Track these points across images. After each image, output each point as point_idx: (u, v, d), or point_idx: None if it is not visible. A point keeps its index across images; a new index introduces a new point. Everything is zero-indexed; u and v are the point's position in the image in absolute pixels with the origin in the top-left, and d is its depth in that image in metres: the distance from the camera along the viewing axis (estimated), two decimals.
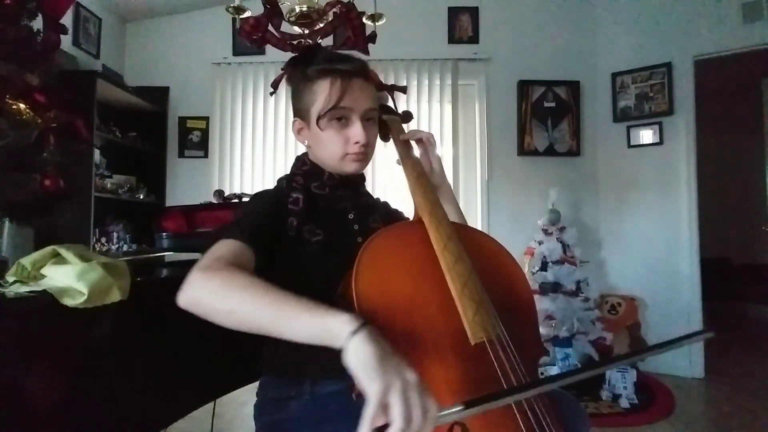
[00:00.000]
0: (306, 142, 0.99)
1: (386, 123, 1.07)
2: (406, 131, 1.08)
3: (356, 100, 0.91)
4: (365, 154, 0.95)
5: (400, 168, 1.03)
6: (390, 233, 0.84)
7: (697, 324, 3.15)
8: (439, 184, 1.06)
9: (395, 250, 0.82)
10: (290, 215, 0.90)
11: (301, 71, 0.94)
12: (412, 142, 1.08)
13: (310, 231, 0.90)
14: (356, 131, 0.92)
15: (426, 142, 1.06)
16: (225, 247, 0.78)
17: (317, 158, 0.99)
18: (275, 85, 1.11)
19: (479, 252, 0.86)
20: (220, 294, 0.69)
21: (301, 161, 1.02)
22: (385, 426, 0.54)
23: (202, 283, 0.70)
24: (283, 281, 0.74)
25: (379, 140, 1.15)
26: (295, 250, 0.89)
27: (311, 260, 0.88)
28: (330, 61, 0.92)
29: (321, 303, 0.65)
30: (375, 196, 1.14)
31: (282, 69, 1.03)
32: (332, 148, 0.93)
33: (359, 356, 0.58)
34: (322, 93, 0.91)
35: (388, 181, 3.40)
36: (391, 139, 1.08)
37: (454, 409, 0.57)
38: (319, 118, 0.91)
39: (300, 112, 0.97)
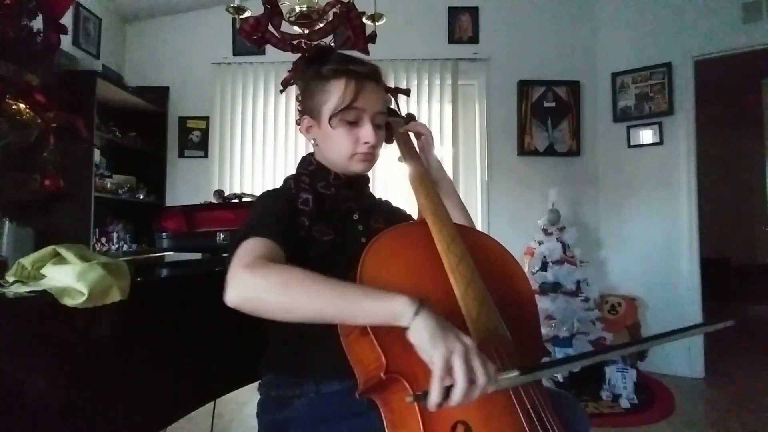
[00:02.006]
0: (314, 140, 1.00)
1: (390, 125, 1.08)
2: (410, 135, 1.10)
3: (368, 101, 0.93)
4: (373, 155, 0.97)
5: (402, 168, 1.03)
6: (394, 234, 0.85)
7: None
8: (439, 178, 1.07)
9: (399, 250, 0.83)
10: (301, 215, 0.91)
11: (315, 70, 0.96)
12: (413, 137, 1.09)
13: (321, 230, 0.91)
14: (367, 132, 0.93)
15: (424, 137, 1.07)
16: (258, 245, 0.78)
17: (324, 157, 1.00)
18: (285, 84, 1.13)
19: (481, 253, 0.87)
20: (279, 289, 0.70)
21: (307, 161, 1.03)
22: (452, 386, 0.61)
23: (256, 280, 0.71)
24: None
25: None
26: (305, 249, 0.89)
27: (320, 260, 0.89)
28: (345, 62, 0.94)
29: (373, 288, 0.70)
30: (377, 196, 1.15)
31: (292, 67, 1.05)
32: (341, 147, 0.95)
33: (424, 331, 0.64)
34: (336, 92, 0.92)
35: (388, 180, 3.40)
36: (395, 141, 1.09)
37: (511, 374, 0.63)
38: (331, 117, 0.93)
39: (311, 110, 0.97)
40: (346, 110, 0.92)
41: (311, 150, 1.05)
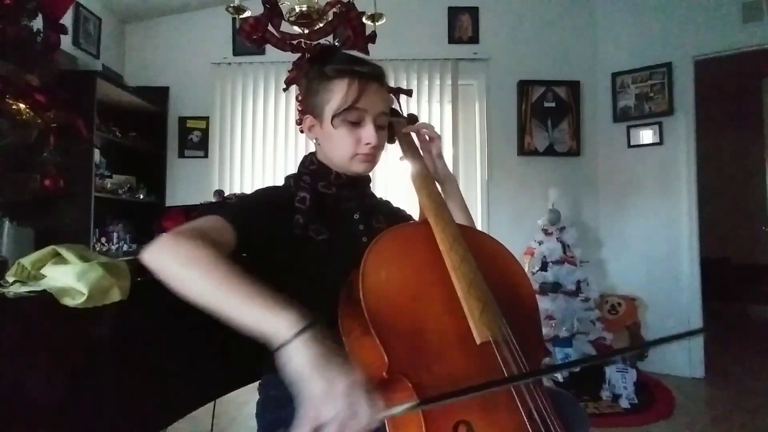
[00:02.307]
0: (316, 139, 1.00)
1: (392, 125, 1.08)
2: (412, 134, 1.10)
3: (371, 102, 0.93)
4: (374, 156, 0.97)
5: (404, 168, 1.04)
6: (396, 233, 0.85)
7: (697, 324, 3.15)
8: (444, 179, 1.07)
9: (401, 250, 0.83)
10: (297, 213, 0.91)
11: (318, 69, 0.95)
12: (415, 138, 1.09)
13: (316, 230, 0.91)
14: (368, 132, 0.93)
15: (428, 137, 1.08)
16: (206, 221, 0.79)
17: (325, 157, 1.00)
18: (289, 83, 1.13)
19: (483, 253, 0.87)
20: (181, 261, 0.70)
21: (309, 160, 1.03)
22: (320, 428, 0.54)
23: (169, 245, 0.71)
24: (287, 279, 0.74)
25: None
26: (300, 248, 0.90)
27: (315, 259, 0.89)
28: (350, 62, 0.94)
29: (279, 296, 0.66)
30: (378, 196, 1.15)
31: (293, 66, 1.05)
32: (343, 148, 0.94)
33: (299, 357, 0.59)
34: (339, 92, 0.92)
35: (388, 180, 3.39)
36: (397, 141, 1.09)
37: (408, 405, 0.58)
38: (333, 117, 0.93)
39: (313, 109, 0.97)
40: (349, 110, 0.91)
41: (311, 150, 1.05)
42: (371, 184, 1.10)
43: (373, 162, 0.98)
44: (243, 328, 0.65)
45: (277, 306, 0.64)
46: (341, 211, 0.98)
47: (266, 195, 0.95)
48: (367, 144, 0.93)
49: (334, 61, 0.94)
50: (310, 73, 0.98)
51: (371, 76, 0.93)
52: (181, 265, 0.70)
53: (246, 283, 0.67)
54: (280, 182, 1.03)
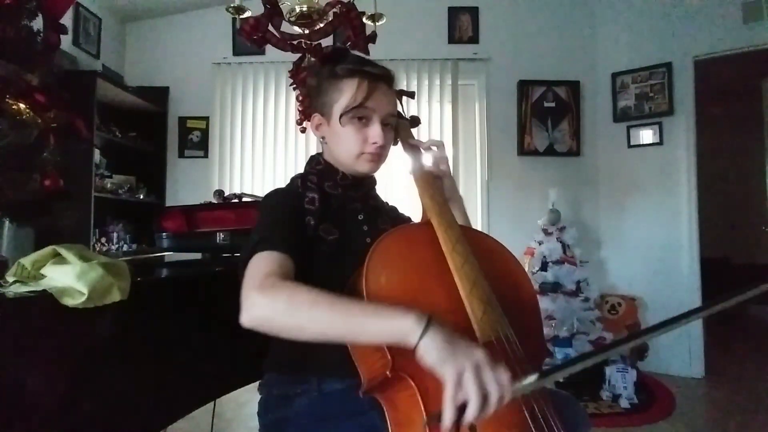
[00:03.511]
0: (323, 138, 1.01)
1: (396, 127, 1.08)
2: (414, 135, 1.10)
3: (379, 102, 0.94)
4: (380, 155, 0.97)
5: (408, 171, 1.03)
6: (399, 234, 0.86)
7: (696, 324, 3.15)
8: (450, 196, 1.05)
9: (404, 250, 0.83)
10: (307, 214, 0.92)
11: (330, 69, 0.97)
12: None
13: (326, 230, 0.92)
14: (375, 131, 0.94)
15: (437, 161, 1.03)
16: (267, 261, 0.79)
17: (332, 156, 1.01)
18: (299, 84, 1.13)
19: (485, 254, 0.87)
20: (288, 313, 0.72)
21: (316, 161, 1.03)
22: (466, 404, 0.60)
23: (267, 303, 0.72)
24: (300, 280, 0.74)
25: None
26: (312, 248, 0.90)
27: (326, 259, 0.90)
28: (360, 63, 0.96)
29: (380, 304, 0.71)
30: (384, 201, 1.15)
31: (294, 66, 1.05)
32: (350, 146, 0.95)
33: (433, 350, 0.63)
34: (349, 91, 0.93)
35: (388, 182, 3.39)
36: (400, 143, 1.09)
37: (528, 380, 0.63)
38: (342, 115, 0.94)
39: (322, 107, 0.99)
40: (357, 109, 0.93)
41: (311, 150, 1.06)
42: (376, 187, 1.10)
43: (379, 162, 0.99)
44: (371, 342, 0.70)
45: (393, 313, 0.67)
46: (347, 211, 0.99)
47: (282, 205, 0.95)
48: (374, 143, 0.94)
49: (345, 61, 0.96)
50: (321, 73, 1.00)
51: (381, 77, 0.95)
52: (292, 316, 0.72)
53: (351, 303, 0.71)
54: (280, 182, 1.04)
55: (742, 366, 3.39)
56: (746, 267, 5.26)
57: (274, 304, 0.72)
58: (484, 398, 0.60)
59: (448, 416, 0.59)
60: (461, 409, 0.60)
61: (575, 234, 3.21)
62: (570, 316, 2.98)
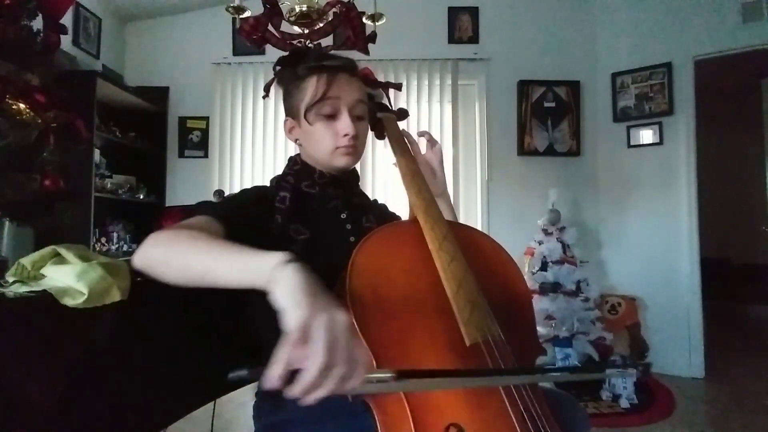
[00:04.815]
0: (297, 140, 1.00)
1: (381, 121, 1.07)
2: (401, 128, 1.09)
3: (343, 92, 0.93)
4: (355, 147, 0.95)
5: (395, 167, 1.03)
6: (385, 233, 0.83)
7: (697, 324, 3.15)
8: (440, 192, 1.06)
9: (390, 249, 0.81)
10: (276, 213, 0.90)
11: (291, 71, 0.97)
12: (417, 140, 1.08)
13: (296, 230, 0.90)
14: (344, 123, 0.93)
15: (436, 147, 1.07)
16: (195, 220, 0.79)
17: (309, 156, 1.00)
18: (267, 89, 1.13)
19: (475, 251, 0.85)
20: (164, 246, 0.70)
21: (293, 161, 1.03)
22: (298, 370, 0.48)
23: (152, 239, 0.72)
24: None
25: (375, 139, 1.15)
26: (281, 248, 0.89)
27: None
28: (318, 59, 0.95)
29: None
30: (372, 198, 1.14)
31: (273, 70, 1.05)
32: (322, 143, 0.94)
33: (286, 287, 0.55)
34: (310, 88, 0.93)
35: (385, 180, 3.39)
36: (386, 137, 1.07)
37: (384, 374, 0.53)
38: (306, 112, 0.93)
39: (291, 110, 0.98)
40: (320, 102, 0.92)
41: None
42: (363, 184, 1.09)
43: (356, 154, 0.97)
44: (231, 282, 0.64)
45: (264, 252, 0.63)
46: (327, 210, 0.97)
47: (251, 194, 0.95)
48: (345, 135, 0.93)
49: (305, 60, 0.95)
50: (284, 76, 0.99)
51: (340, 67, 0.94)
52: (165, 249, 0.70)
53: (228, 244, 0.68)
54: None
55: (742, 366, 3.38)
56: (746, 267, 5.27)
57: (157, 238, 0.71)
58: (327, 367, 0.49)
59: (275, 368, 0.47)
60: (291, 374, 0.48)
61: (575, 234, 3.21)
62: (570, 316, 2.98)
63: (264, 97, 1.18)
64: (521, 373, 0.73)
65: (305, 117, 0.93)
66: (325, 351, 0.49)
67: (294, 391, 0.48)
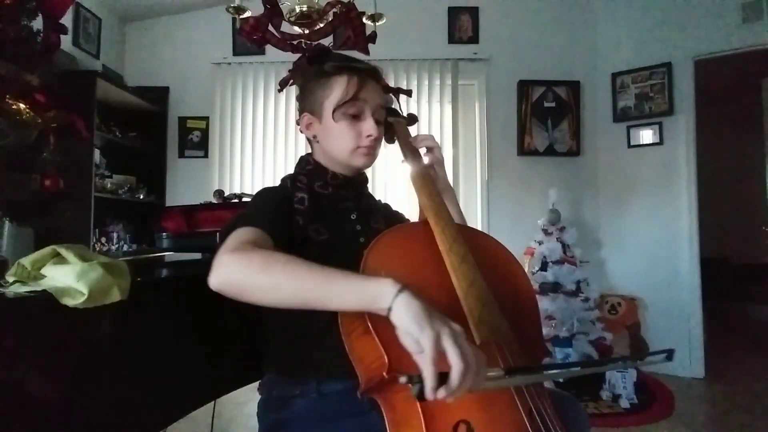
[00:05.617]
0: (314, 137, 1.01)
1: (392, 125, 1.08)
2: (411, 134, 1.10)
3: (370, 95, 0.95)
4: (374, 149, 0.98)
5: (404, 170, 1.04)
6: (396, 234, 0.85)
7: (697, 324, 3.15)
8: (444, 189, 1.06)
9: (401, 250, 0.83)
10: (296, 214, 0.91)
11: (317, 68, 0.98)
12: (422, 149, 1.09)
13: (316, 230, 0.91)
14: (369, 125, 0.95)
15: (434, 152, 1.08)
16: (245, 233, 0.79)
17: (324, 155, 1.00)
18: (284, 84, 1.14)
19: (483, 253, 0.86)
20: (261, 270, 0.70)
21: (305, 161, 1.03)
22: (445, 373, 0.56)
23: (239, 262, 0.71)
24: None
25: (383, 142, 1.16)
26: (301, 249, 0.89)
27: (316, 260, 0.89)
28: (347, 60, 0.97)
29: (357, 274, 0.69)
30: (377, 198, 1.15)
31: (293, 66, 1.06)
32: (344, 141, 0.95)
33: (407, 312, 0.61)
34: (339, 87, 0.94)
35: (389, 181, 3.39)
36: (397, 141, 1.09)
37: (497, 372, 0.61)
38: (335, 110, 0.94)
39: (312, 106, 0.99)
40: (350, 103, 0.93)
41: (311, 150, 1.05)
42: (369, 186, 1.10)
43: (373, 156, 0.99)
44: (344, 306, 0.68)
45: (368, 277, 0.67)
46: (339, 211, 0.98)
47: (273, 197, 0.95)
48: (369, 136, 0.94)
49: (331, 59, 0.97)
50: (309, 72, 1.00)
51: (369, 72, 0.97)
52: (260, 275, 0.70)
53: (325, 268, 0.69)
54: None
55: (742, 366, 3.39)
56: (746, 267, 5.27)
57: (247, 262, 0.70)
58: (464, 372, 0.57)
59: (430, 378, 0.55)
60: (441, 378, 0.56)
61: (575, 234, 3.21)
62: (570, 316, 2.98)
63: (279, 91, 1.20)
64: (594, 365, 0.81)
65: (332, 115, 0.95)
66: (460, 358, 0.57)
67: (440, 394, 0.56)
